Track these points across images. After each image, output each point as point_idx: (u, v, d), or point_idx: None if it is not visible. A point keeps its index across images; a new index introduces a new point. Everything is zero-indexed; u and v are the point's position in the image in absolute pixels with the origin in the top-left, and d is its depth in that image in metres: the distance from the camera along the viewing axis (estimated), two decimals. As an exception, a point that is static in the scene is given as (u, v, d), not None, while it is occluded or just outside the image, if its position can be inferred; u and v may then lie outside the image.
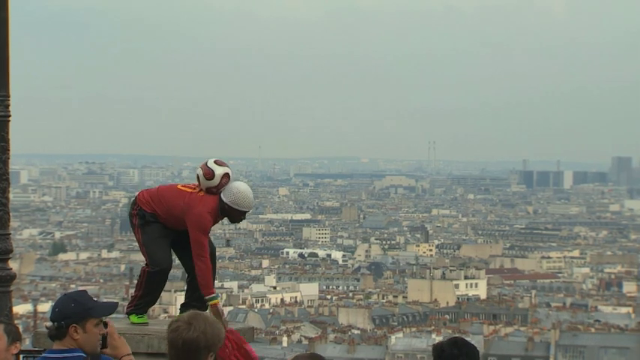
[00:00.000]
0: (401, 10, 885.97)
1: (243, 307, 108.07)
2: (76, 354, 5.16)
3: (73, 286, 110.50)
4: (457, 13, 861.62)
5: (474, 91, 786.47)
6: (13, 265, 9.59)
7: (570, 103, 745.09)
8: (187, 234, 8.38)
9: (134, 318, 8.55)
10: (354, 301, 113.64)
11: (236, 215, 8.37)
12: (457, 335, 5.96)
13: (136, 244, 8.79)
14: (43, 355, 5.34)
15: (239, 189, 8.36)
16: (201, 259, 8.18)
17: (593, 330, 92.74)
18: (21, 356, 8.69)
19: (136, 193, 8.77)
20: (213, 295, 8.21)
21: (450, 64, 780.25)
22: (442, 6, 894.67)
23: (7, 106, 9.39)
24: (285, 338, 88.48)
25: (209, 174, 8.33)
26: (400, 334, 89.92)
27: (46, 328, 5.22)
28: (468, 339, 5.72)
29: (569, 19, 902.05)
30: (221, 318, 8.09)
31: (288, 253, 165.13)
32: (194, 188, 8.39)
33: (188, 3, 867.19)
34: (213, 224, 8.37)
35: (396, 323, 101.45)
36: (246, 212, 8.43)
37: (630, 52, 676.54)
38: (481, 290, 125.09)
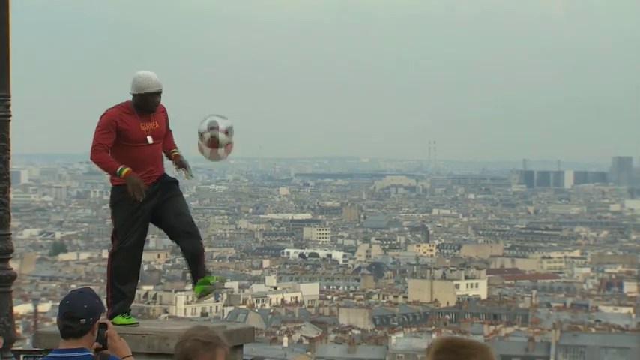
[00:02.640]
0: (401, 12, 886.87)
1: (244, 307, 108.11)
2: (85, 353, 5.12)
3: (73, 285, 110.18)
4: (458, 16, 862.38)
5: (474, 92, 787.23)
6: (14, 265, 9.57)
7: (570, 103, 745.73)
8: (163, 208, 8.25)
9: (120, 319, 8.18)
10: (355, 301, 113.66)
11: (145, 101, 8.16)
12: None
13: None
14: (49, 354, 5.28)
15: (138, 73, 8.18)
16: (94, 152, 8.06)
17: (593, 330, 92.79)
18: (22, 356, 8.67)
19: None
20: (121, 167, 8.03)
21: (450, 66, 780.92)
22: (442, 9, 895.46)
23: (8, 106, 9.39)
24: (285, 338, 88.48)
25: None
26: (401, 334, 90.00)
27: (66, 326, 5.12)
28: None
29: (569, 22, 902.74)
30: (140, 187, 7.99)
31: (288, 253, 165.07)
32: None
33: (187, 7, 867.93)
34: (120, 124, 8.13)
35: (396, 323, 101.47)
36: (152, 93, 8.16)
37: (630, 54, 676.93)
38: (482, 290, 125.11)
